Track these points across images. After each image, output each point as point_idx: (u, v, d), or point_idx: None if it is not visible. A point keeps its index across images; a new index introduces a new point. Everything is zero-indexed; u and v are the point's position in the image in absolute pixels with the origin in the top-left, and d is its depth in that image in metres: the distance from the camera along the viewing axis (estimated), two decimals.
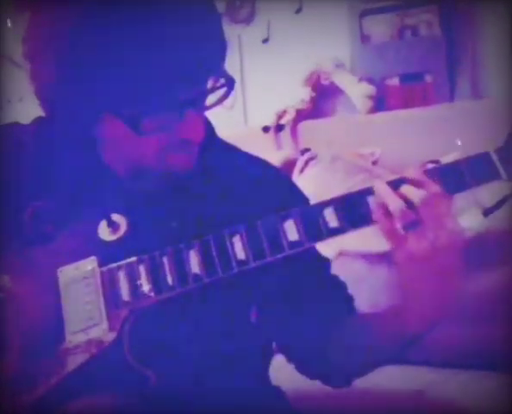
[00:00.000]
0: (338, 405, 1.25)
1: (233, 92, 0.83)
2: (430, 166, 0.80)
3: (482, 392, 1.25)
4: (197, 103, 0.81)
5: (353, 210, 0.77)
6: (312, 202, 0.83)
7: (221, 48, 0.82)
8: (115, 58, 0.74)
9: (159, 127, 0.80)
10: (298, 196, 1.00)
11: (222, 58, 0.82)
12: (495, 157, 0.77)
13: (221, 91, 0.82)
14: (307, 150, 1.98)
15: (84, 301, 0.79)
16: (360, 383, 1.32)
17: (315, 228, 0.77)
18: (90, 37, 0.75)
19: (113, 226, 0.81)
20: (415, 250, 0.76)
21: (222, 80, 0.82)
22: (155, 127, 0.80)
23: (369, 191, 0.77)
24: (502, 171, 0.76)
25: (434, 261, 0.76)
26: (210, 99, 0.83)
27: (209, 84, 0.82)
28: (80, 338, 0.78)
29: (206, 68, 0.80)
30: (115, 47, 0.74)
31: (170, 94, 0.77)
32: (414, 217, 0.75)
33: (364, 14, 2.06)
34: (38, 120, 0.94)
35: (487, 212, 1.47)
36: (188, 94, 0.79)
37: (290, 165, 1.90)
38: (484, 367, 1.33)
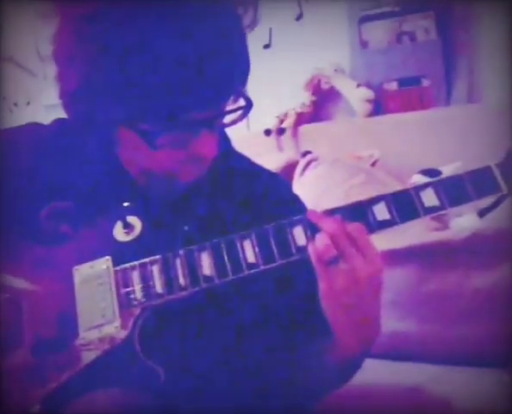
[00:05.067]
0: (336, 402, 1.26)
1: (249, 114, 0.83)
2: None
3: (480, 389, 1.25)
4: (214, 122, 0.81)
5: (359, 218, 0.79)
6: (312, 204, 0.84)
7: (245, 70, 0.81)
8: (138, 72, 0.74)
9: (173, 143, 0.80)
10: (300, 207, 1.00)
11: (245, 79, 0.82)
12: (496, 171, 0.78)
13: (239, 112, 0.82)
14: (308, 152, 1.99)
15: (98, 299, 0.80)
16: (359, 380, 1.35)
17: None
18: (115, 47, 0.74)
19: (128, 227, 0.82)
20: (336, 285, 0.77)
21: (241, 101, 0.82)
22: (169, 143, 0.80)
23: (375, 201, 0.79)
24: (503, 185, 0.78)
25: (354, 294, 0.78)
26: (227, 118, 0.83)
27: (228, 104, 0.81)
28: (93, 335, 0.80)
29: (228, 90, 0.79)
30: (138, 62, 0.74)
31: (188, 114, 0.77)
32: (334, 253, 0.77)
33: (363, 20, 2.07)
34: (58, 121, 0.95)
35: (482, 213, 1.49)
36: (206, 114, 0.78)
37: (291, 167, 1.91)
38: (483, 365, 1.34)
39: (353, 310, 0.79)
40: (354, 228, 0.78)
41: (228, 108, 0.82)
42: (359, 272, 0.76)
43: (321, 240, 0.77)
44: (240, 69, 0.80)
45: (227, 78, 0.77)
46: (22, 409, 0.79)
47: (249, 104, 0.82)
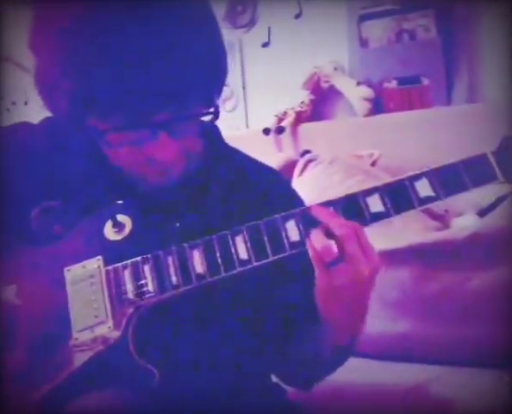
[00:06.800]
0: (337, 401, 1.26)
1: (217, 120, 0.82)
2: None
3: (480, 389, 1.26)
4: (172, 127, 0.79)
5: (353, 210, 0.78)
6: (311, 203, 0.82)
7: (218, 78, 0.80)
8: (101, 69, 0.73)
9: (127, 142, 0.79)
10: (297, 201, 1.01)
11: (218, 90, 0.81)
12: (492, 159, 0.77)
13: (207, 118, 0.81)
14: (307, 152, 1.99)
15: (90, 299, 0.80)
16: (359, 380, 1.35)
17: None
18: (84, 39, 0.73)
19: (118, 226, 0.82)
20: (335, 283, 0.77)
21: (210, 109, 0.80)
22: (123, 141, 0.79)
23: (369, 193, 0.78)
24: (498, 173, 0.77)
25: (352, 292, 0.78)
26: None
27: (194, 110, 0.79)
28: (86, 336, 0.79)
29: (194, 97, 0.78)
30: (102, 57, 0.73)
31: (143, 113, 0.75)
32: (335, 255, 0.76)
33: (362, 18, 2.07)
34: (46, 120, 0.94)
35: (482, 213, 1.50)
36: (164, 117, 0.77)
37: (290, 166, 1.91)
38: (483, 365, 1.34)
39: (349, 306, 0.79)
40: (354, 225, 0.77)
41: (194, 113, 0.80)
42: (360, 272, 0.76)
43: (320, 240, 0.76)
44: (210, 77, 0.79)
45: (190, 84, 0.76)
46: (18, 411, 0.79)
47: (216, 113, 0.80)
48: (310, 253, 0.76)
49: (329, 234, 0.76)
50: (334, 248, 0.76)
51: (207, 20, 0.80)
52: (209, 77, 0.78)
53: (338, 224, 0.76)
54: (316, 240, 0.76)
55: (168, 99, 0.75)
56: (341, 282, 0.76)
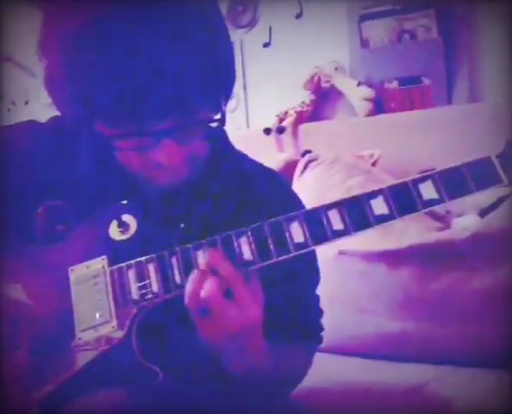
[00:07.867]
0: (337, 401, 1.26)
1: (223, 126, 0.81)
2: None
3: (480, 389, 1.26)
4: (179, 133, 0.79)
5: (357, 212, 0.78)
6: (312, 203, 0.83)
7: (226, 88, 0.80)
8: (106, 75, 0.73)
9: (133, 147, 0.80)
10: (297, 203, 1.01)
11: (225, 97, 0.80)
12: (496, 162, 0.77)
13: (213, 124, 0.81)
14: (307, 152, 1.99)
15: (94, 299, 0.81)
16: (360, 380, 1.35)
17: (319, 230, 0.78)
18: (90, 44, 0.73)
19: (123, 226, 0.82)
20: (210, 333, 0.78)
21: (217, 115, 0.80)
22: (129, 147, 0.80)
23: (372, 195, 0.78)
24: (503, 176, 0.76)
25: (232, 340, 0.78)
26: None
27: (201, 117, 0.79)
28: (90, 335, 0.80)
29: (201, 104, 0.77)
30: (108, 63, 0.72)
31: (149, 120, 0.75)
32: (203, 306, 0.76)
33: (363, 18, 2.07)
34: (53, 119, 0.95)
35: (483, 213, 1.50)
36: (170, 124, 0.77)
37: (291, 166, 1.91)
38: (483, 365, 1.34)
39: (239, 345, 0.80)
40: (230, 271, 0.77)
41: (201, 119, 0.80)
42: (233, 325, 0.77)
43: (191, 289, 0.76)
44: (218, 83, 0.79)
45: (197, 91, 0.76)
46: (21, 411, 0.79)
47: (223, 118, 0.80)
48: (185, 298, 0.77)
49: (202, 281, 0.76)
50: (202, 301, 0.76)
51: (216, 26, 0.80)
52: (217, 84, 0.78)
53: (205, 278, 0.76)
54: (189, 287, 0.77)
55: (175, 106, 0.75)
56: (218, 334, 0.78)
